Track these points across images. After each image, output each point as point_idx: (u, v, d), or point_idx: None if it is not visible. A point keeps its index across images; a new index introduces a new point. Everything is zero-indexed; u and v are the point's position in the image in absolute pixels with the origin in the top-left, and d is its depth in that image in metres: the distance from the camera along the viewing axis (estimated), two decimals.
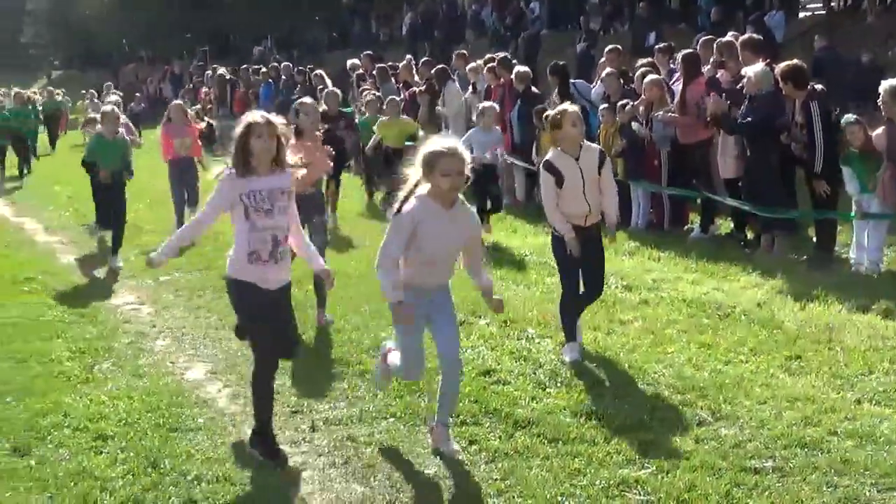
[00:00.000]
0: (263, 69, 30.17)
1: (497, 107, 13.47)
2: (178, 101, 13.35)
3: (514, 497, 5.57)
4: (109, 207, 13.38)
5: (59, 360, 8.53)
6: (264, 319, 5.97)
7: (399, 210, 5.81)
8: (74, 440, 6.51)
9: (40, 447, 6.39)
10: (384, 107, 16.74)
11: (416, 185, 5.92)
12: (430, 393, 7.24)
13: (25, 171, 24.61)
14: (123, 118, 16.08)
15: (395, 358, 6.41)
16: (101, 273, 12.82)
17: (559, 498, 5.49)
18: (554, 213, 7.48)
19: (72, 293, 11.52)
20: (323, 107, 13.05)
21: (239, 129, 5.91)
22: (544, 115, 7.34)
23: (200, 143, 12.31)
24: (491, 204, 13.47)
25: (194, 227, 6.68)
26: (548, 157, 7.24)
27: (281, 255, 5.87)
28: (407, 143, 15.04)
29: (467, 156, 5.94)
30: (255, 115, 5.93)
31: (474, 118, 13.68)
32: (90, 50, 66.56)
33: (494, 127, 13.16)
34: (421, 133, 15.06)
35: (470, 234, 6.23)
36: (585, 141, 7.63)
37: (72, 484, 5.75)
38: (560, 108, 7.63)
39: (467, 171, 5.86)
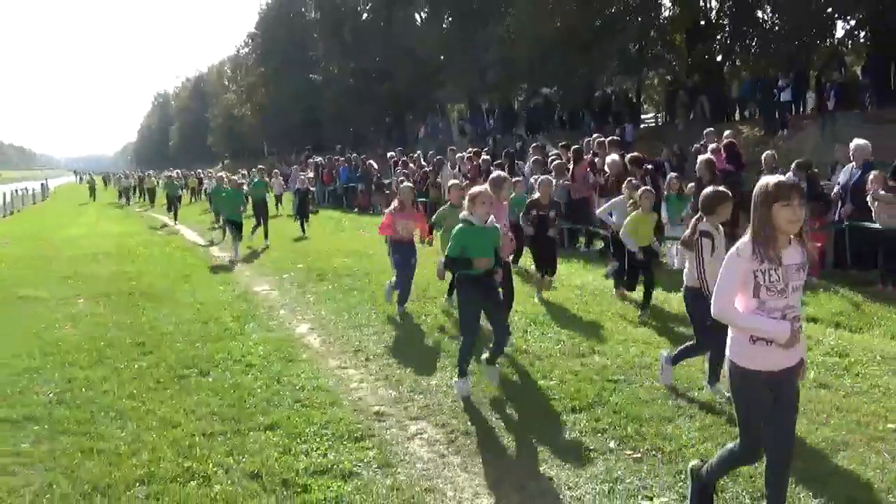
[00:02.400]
0: (342, 158, 31.69)
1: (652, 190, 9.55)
2: (409, 184, 10.49)
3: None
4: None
5: (226, 322, 9.31)
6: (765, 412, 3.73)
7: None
8: (233, 367, 7.22)
9: (214, 371, 7.11)
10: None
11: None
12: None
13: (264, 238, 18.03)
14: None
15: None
16: (248, 273, 14.03)
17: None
18: (710, 277, 5.43)
19: (233, 285, 12.55)
20: (536, 195, 10.24)
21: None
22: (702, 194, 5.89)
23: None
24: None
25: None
26: (704, 227, 5.73)
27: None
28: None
29: None
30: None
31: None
32: (244, 147, 70.36)
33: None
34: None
35: None
36: None
37: (232, 392, 6.42)
38: (721, 189, 6.02)
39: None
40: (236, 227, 16.40)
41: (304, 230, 20.15)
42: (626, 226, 8.98)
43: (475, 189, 6.29)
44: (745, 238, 3.62)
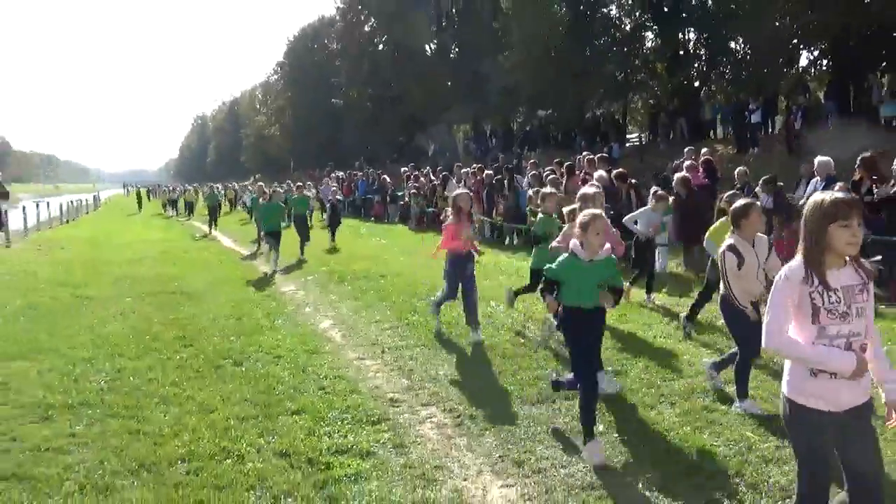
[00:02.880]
0: (360, 173, 32.52)
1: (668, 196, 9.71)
2: (465, 190, 9.20)
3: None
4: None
5: (257, 318, 9.34)
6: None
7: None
8: (263, 358, 7.23)
9: (246, 362, 7.10)
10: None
11: None
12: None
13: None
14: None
15: None
16: (278, 277, 14.06)
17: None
18: (737, 291, 5.22)
19: (264, 286, 12.67)
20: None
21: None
22: (732, 205, 5.34)
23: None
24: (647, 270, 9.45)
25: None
26: (731, 241, 5.16)
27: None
28: None
29: None
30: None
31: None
32: (273, 163, 70.07)
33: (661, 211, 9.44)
34: None
35: None
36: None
37: (262, 380, 6.44)
38: (748, 200, 5.53)
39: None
40: (275, 239, 14.43)
41: (333, 238, 19.16)
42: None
43: (589, 213, 4.83)
44: (796, 260, 2.98)
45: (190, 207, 37.67)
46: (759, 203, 6.02)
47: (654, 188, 9.63)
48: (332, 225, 19.75)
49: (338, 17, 50.96)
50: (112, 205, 60.66)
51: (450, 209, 7.88)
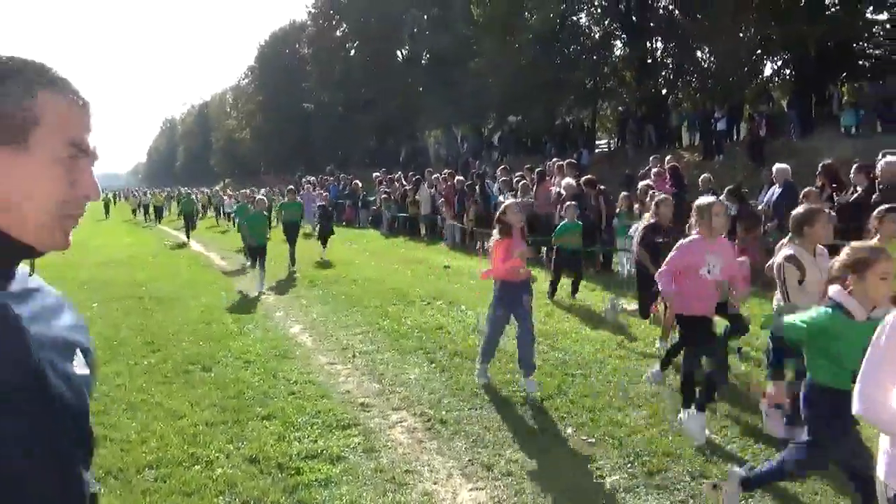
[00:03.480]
0: (331, 178, 32.31)
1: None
2: (516, 201, 7.87)
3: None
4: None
5: (226, 323, 9.26)
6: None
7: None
8: (233, 363, 7.17)
9: (216, 367, 7.04)
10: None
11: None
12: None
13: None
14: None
15: None
16: (246, 280, 13.92)
17: None
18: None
19: (232, 291, 12.45)
20: (646, 216, 7.66)
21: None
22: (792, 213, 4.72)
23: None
24: None
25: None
26: (790, 252, 4.48)
27: None
28: None
29: None
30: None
31: None
32: (243, 168, 69.38)
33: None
34: None
35: None
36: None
37: (231, 385, 6.38)
38: (815, 206, 4.97)
39: None
40: (262, 255, 12.65)
41: (324, 247, 16.43)
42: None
43: (867, 247, 3.21)
44: None
45: (158, 212, 36.12)
46: (826, 210, 5.32)
47: (658, 195, 8.17)
48: (324, 235, 16.86)
49: (309, 22, 50.75)
50: None
51: (496, 224, 6.32)
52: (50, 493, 1.01)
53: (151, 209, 37.25)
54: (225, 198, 33.75)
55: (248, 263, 14.87)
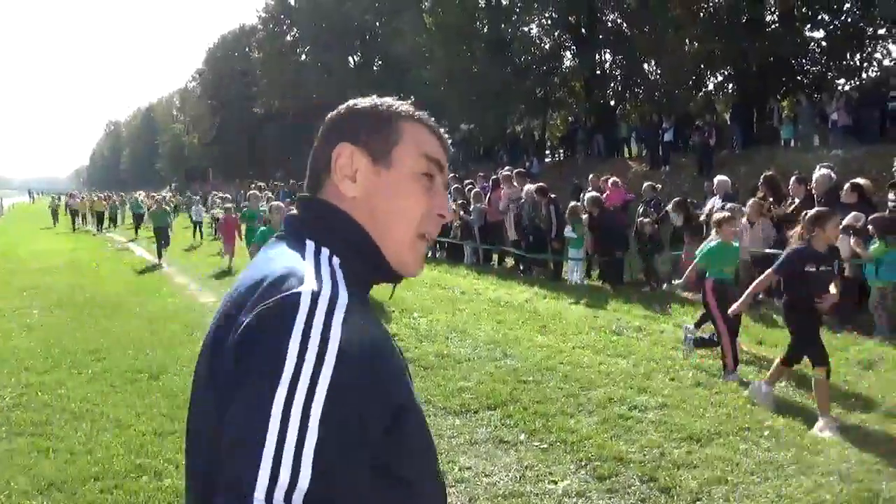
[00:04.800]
0: (281, 184, 33.23)
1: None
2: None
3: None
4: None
5: (174, 329, 9.04)
6: None
7: None
8: (182, 371, 6.84)
9: (164, 375, 6.83)
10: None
11: None
12: None
13: None
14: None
15: None
16: (195, 286, 13.73)
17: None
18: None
19: (181, 297, 12.28)
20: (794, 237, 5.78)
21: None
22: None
23: None
24: None
25: None
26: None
27: None
28: None
29: None
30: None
31: None
32: (190, 172, 68.56)
33: None
34: None
35: None
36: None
37: (180, 393, 6.01)
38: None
39: None
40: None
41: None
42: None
43: None
44: None
45: (99, 218, 32.14)
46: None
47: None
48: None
49: (259, 26, 50.19)
50: (16, 212, 57.60)
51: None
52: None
53: (93, 215, 33.00)
54: (195, 204, 28.40)
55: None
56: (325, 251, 1.09)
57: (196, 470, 1.08)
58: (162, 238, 18.03)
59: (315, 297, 0.98)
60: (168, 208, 22.59)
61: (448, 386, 6.43)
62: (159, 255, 17.83)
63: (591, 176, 15.57)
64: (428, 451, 1.15)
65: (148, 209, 24.62)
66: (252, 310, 0.99)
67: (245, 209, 16.11)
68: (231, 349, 0.99)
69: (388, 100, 1.22)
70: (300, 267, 1.04)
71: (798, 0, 19.65)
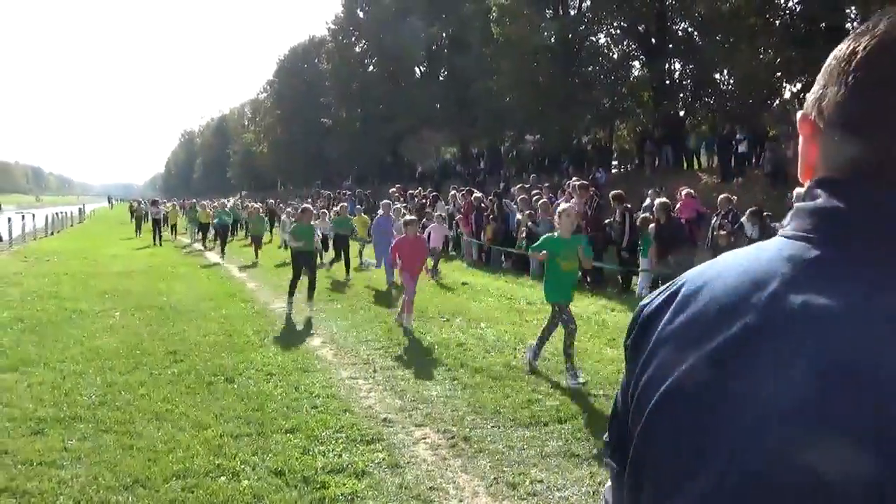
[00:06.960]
0: (348, 192, 33.48)
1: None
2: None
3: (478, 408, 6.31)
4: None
5: (247, 335, 9.28)
6: None
7: None
8: (255, 375, 7.18)
9: (239, 379, 7.06)
10: None
11: None
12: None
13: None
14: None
15: None
16: (266, 292, 14.08)
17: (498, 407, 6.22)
18: None
19: (252, 302, 12.69)
20: None
21: None
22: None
23: None
24: None
25: None
26: None
27: None
28: None
29: None
30: None
31: None
32: (260, 180, 70.95)
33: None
34: None
35: None
36: None
37: (254, 397, 6.40)
38: None
39: None
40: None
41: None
42: None
43: None
44: None
45: (160, 225, 28.75)
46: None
47: None
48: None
49: (329, 38, 51.22)
50: (97, 218, 60.12)
51: None
52: None
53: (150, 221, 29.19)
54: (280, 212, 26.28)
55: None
56: None
57: None
58: (256, 244, 20.85)
59: None
60: (264, 216, 24.91)
61: (517, 397, 6.40)
62: (256, 255, 20.20)
63: (650, 191, 15.30)
64: None
65: (248, 216, 25.89)
66: None
67: (295, 225, 12.71)
68: None
69: None
70: None
71: (878, 6, 18.91)
